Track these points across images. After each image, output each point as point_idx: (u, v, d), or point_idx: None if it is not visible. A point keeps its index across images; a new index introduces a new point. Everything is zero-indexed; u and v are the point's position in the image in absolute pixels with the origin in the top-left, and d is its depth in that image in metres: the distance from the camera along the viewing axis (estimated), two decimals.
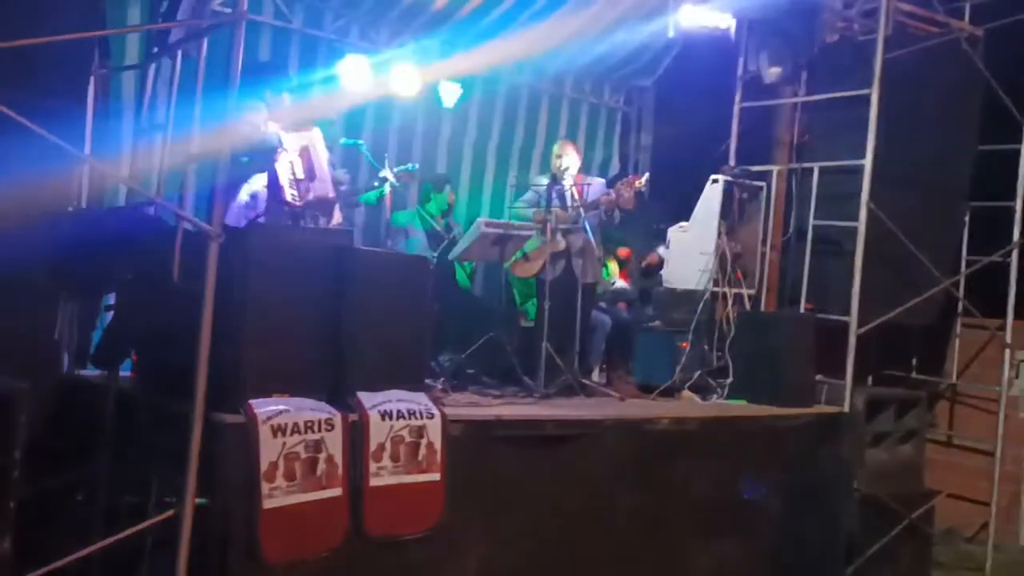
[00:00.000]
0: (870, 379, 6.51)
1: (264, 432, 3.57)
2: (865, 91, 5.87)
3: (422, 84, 6.09)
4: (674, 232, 6.42)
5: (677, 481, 4.97)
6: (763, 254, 6.46)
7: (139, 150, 4.98)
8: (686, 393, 5.84)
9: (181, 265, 3.84)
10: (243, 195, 4.81)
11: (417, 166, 6.03)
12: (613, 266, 6.65)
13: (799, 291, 6.29)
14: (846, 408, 5.78)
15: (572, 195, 5.78)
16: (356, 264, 4.08)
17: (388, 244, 5.96)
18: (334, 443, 3.75)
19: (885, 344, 6.37)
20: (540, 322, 5.38)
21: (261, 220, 4.67)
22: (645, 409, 5.32)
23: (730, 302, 6.13)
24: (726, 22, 6.24)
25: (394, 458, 3.90)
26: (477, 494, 4.18)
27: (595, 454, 4.67)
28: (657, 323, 6.24)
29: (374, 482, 3.85)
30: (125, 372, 4.35)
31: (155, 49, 4.85)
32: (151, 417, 3.91)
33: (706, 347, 6.05)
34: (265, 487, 3.56)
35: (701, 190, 6.33)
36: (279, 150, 4.66)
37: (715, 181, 6.29)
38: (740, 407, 5.76)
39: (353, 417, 3.85)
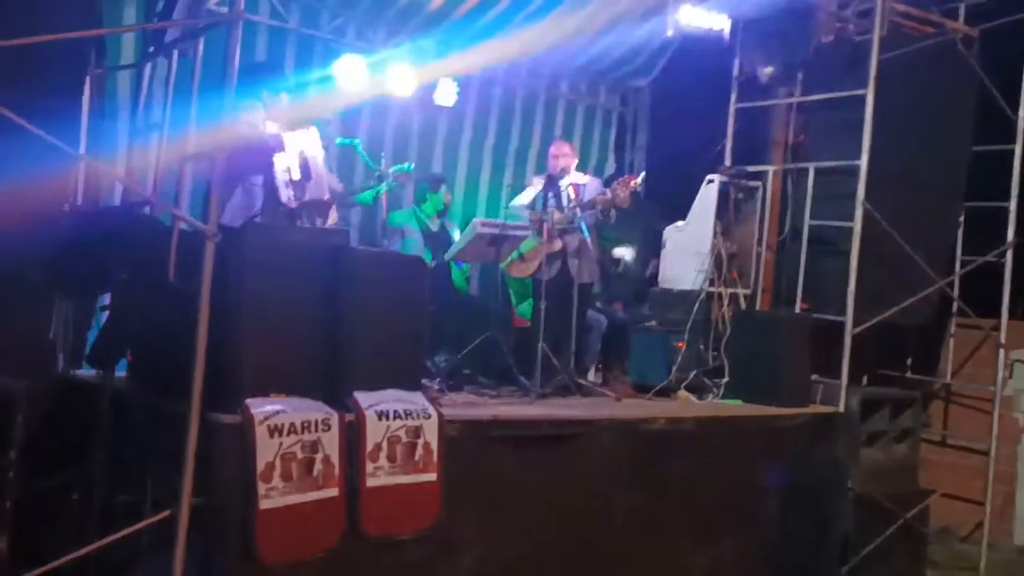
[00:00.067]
0: (865, 379, 6.52)
1: (261, 432, 3.57)
2: (860, 91, 5.89)
3: (418, 84, 6.09)
4: (670, 232, 6.43)
5: (673, 481, 4.98)
6: (759, 254, 6.47)
7: (135, 150, 4.97)
8: (682, 393, 5.85)
9: (177, 265, 3.83)
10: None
11: (413, 166, 6.03)
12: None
13: (794, 291, 6.30)
14: (841, 408, 5.79)
15: (568, 195, 5.78)
16: (352, 264, 4.08)
17: (384, 244, 5.96)
18: (331, 443, 3.75)
19: (880, 344, 6.38)
20: (536, 322, 5.39)
21: (257, 220, 4.66)
22: (641, 409, 5.33)
23: (726, 302, 6.14)
24: (721, 23, 6.26)
25: (391, 458, 3.90)
26: (474, 494, 4.18)
27: (591, 454, 4.67)
28: (653, 323, 6.24)
29: (371, 482, 3.85)
30: (121, 372, 4.34)
31: (151, 48, 4.84)
32: (147, 417, 3.90)
33: (702, 347, 6.06)
34: (261, 487, 3.56)
35: (697, 190, 6.34)
36: (277, 150, 4.65)
37: (711, 181, 6.30)
38: (736, 407, 5.77)
39: (350, 417, 3.85)
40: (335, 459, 3.75)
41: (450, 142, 6.96)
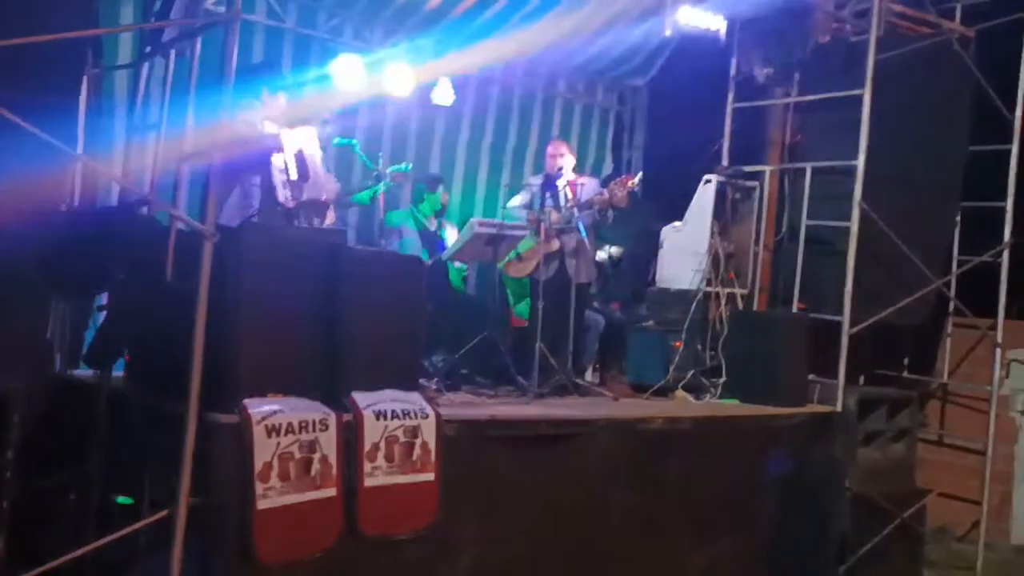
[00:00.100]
0: (862, 379, 6.53)
1: (258, 432, 3.57)
2: (857, 92, 5.89)
3: (416, 83, 6.09)
4: (667, 232, 6.43)
5: (671, 480, 4.98)
6: (756, 254, 6.48)
7: (132, 149, 4.97)
8: (679, 393, 5.86)
9: (175, 265, 3.83)
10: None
11: (410, 166, 6.03)
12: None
13: (791, 291, 6.31)
14: (838, 407, 5.80)
15: (566, 195, 5.79)
16: (350, 264, 4.08)
17: (382, 244, 5.96)
18: (328, 443, 3.74)
19: (877, 344, 6.39)
20: (534, 322, 5.39)
21: (255, 219, 4.66)
22: (639, 409, 5.33)
23: (723, 302, 6.15)
24: (718, 23, 6.27)
25: (388, 458, 3.90)
26: (471, 494, 4.18)
27: (589, 454, 4.67)
28: (650, 323, 6.25)
29: (368, 482, 3.85)
30: (118, 372, 4.33)
31: (148, 48, 4.83)
32: (144, 417, 3.90)
33: (699, 347, 6.07)
34: (259, 487, 3.55)
35: (694, 190, 6.35)
36: (274, 150, 4.65)
37: (708, 181, 6.30)
38: (733, 406, 5.78)
39: (347, 417, 3.85)
40: (333, 459, 3.75)
41: (448, 142, 6.96)
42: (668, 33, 6.17)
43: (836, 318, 5.89)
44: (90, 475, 3.97)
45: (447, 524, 4.06)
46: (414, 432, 3.98)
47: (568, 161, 5.99)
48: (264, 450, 3.57)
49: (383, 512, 3.89)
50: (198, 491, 3.44)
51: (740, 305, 6.32)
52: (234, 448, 3.56)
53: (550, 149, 6.11)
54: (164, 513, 3.40)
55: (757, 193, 6.47)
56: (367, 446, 3.86)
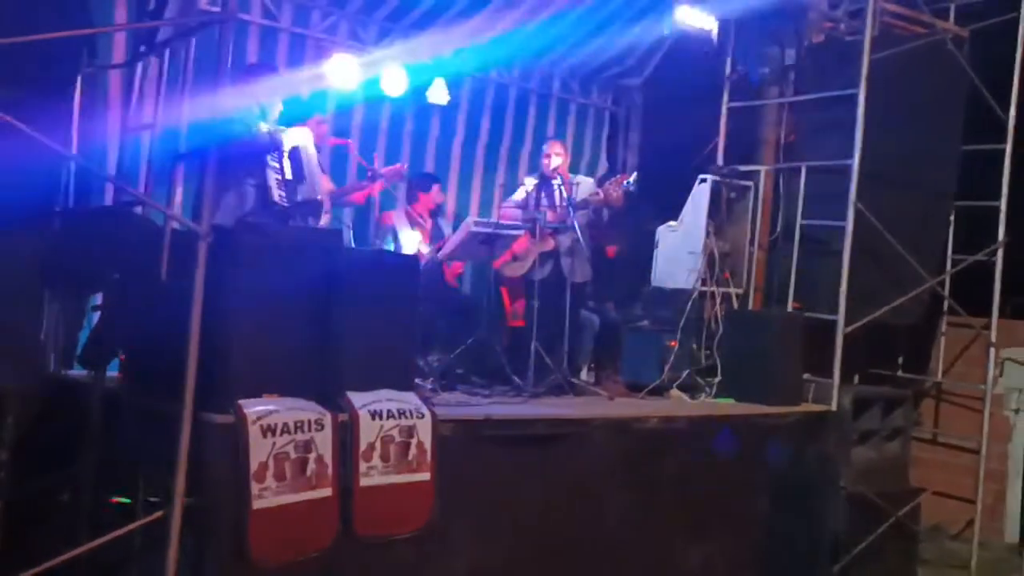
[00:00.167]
0: (856, 378, 6.54)
1: (254, 432, 3.56)
2: (852, 91, 5.90)
3: (410, 83, 6.09)
4: (663, 231, 6.43)
5: (666, 480, 4.98)
6: (751, 253, 6.49)
7: (126, 149, 4.96)
8: (674, 392, 5.86)
9: (169, 265, 3.82)
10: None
11: (406, 165, 6.03)
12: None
13: (786, 290, 6.32)
14: (833, 407, 5.81)
15: (561, 194, 5.79)
16: (345, 264, 4.08)
17: (376, 243, 5.96)
18: (324, 443, 3.74)
19: (871, 343, 6.41)
20: (529, 321, 5.39)
21: (250, 219, 4.65)
22: (634, 408, 5.34)
23: (718, 301, 6.16)
24: (712, 23, 6.28)
25: (384, 458, 3.90)
26: (467, 493, 4.18)
27: (584, 453, 4.67)
28: (645, 322, 6.25)
29: (364, 482, 3.85)
30: (113, 372, 4.32)
31: (143, 48, 4.82)
32: (139, 417, 3.89)
33: (694, 346, 6.07)
34: (255, 487, 3.54)
35: (689, 190, 6.35)
36: (269, 150, 4.65)
37: (703, 181, 6.31)
38: (728, 406, 5.78)
39: (343, 417, 3.84)
40: (328, 459, 3.75)
41: (443, 142, 6.96)
42: (667, 32, 6.16)
43: (831, 317, 5.90)
44: (84, 476, 3.96)
45: (443, 524, 4.06)
46: (410, 432, 3.98)
47: (563, 161, 6.00)
48: (259, 450, 3.56)
49: (379, 512, 3.88)
50: (193, 491, 3.44)
51: (735, 304, 6.33)
52: (229, 448, 3.55)
53: (545, 149, 6.12)
54: (159, 514, 3.40)
55: (752, 193, 6.48)
56: (363, 446, 3.85)
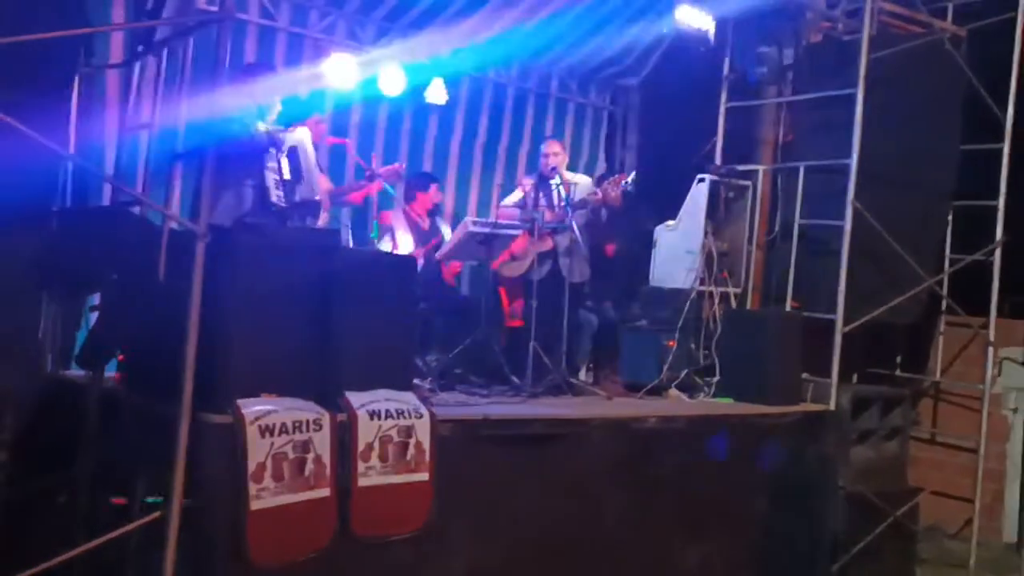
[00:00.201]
0: (855, 377, 6.54)
1: (252, 432, 3.55)
2: (849, 91, 5.90)
3: (408, 83, 6.09)
4: (661, 231, 6.43)
5: (664, 479, 4.98)
6: (749, 253, 6.49)
7: (124, 149, 4.95)
8: (673, 392, 5.86)
9: (167, 265, 3.81)
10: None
11: (404, 165, 6.03)
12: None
13: (784, 289, 6.32)
14: (832, 406, 5.81)
15: (559, 194, 5.79)
16: (343, 263, 4.07)
17: (374, 243, 5.95)
18: (322, 443, 3.73)
19: (870, 342, 6.41)
20: (527, 321, 5.39)
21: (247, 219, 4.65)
22: (632, 408, 5.33)
23: (716, 301, 6.15)
24: (710, 23, 6.28)
25: (382, 458, 3.89)
26: (465, 493, 4.17)
27: (583, 453, 4.67)
28: (644, 322, 6.25)
29: (362, 482, 3.84)
30: (110, 372, 4.32)
31: (140, 47, 4.81)
32: (137, 418, 3.88)
33: (693, 346, 6.07)
34: (253, 488, 3.54)
35: (687, 189, 6.35)
36: (270, 150, 4.64)
37: (702, 180, 6.31)
38: (727, 405, 5.78)
39: (341, 417, 3.84)
40: (327, 459, 3.74)
41: (440, 141, 6.96)
42: (666, 30, 6.17)
43: (829, 317, 5.89)
44: (82, 476, 3.95)
45: (441, 524, 4.05)
46: (408, 432, 3.97)
47: (562, 160, 5.99)
48: (258, 450, 3.56)
49: (377, 512, 3.88)
50: (191, 492, 3.43)
51: (733, 304, 6.33)
52: (227, 449, 3.55)
53: (544, 148, 6.11)
54: (157, 514, 3.39)
55: (750, 192, 6.48)
56: (361, 446, 3.85)
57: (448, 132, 6.98)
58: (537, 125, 7.42)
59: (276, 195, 4.85)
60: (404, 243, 5.90)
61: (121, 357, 4.34)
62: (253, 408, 3.61)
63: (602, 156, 7.86)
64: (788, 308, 6.26)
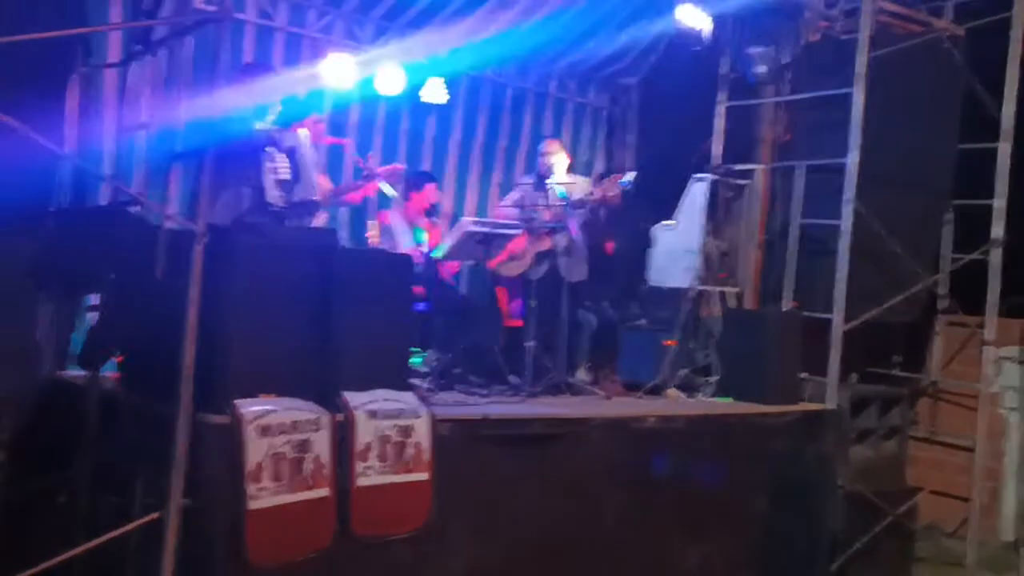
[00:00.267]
0: (854, 376, 6.54)
1: (250, 432, 3.55)
2: (847, 90, 5.91)
3: (406, 82, 6.08)
4: (659, 230, 6.43)
5: (664, 479, 4.98)
6: (747, 252, 6.49)
7: (122, 149, 4.95)
8: (672, 391, 5.86)
9: (165, 264, 3.81)
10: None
11: (402, 165, 6.02)
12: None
13: (783, 289, 6.32)
14: (830, 405, 5.82)
15: (555, 193, 5.78)
16: (341, 263, 4.07)
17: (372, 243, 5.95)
18: (321, 443, 3.73)
19: (868, 341, 6.40)
20: (526, 321, 5.38)
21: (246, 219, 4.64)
22: (631, 407, 5.34)
23: (715, 300, 6.15)
24: (708, 22, 6.28)
25: (381, 458, 3.89)
26: (464, 493, 4.17)
27: (582, 453, 4.67)
28: (643, 321, 6.25)
29: (361, 482, 3.84)
30: (109, 372, 4.31)
31: (138, 47, 4.81)
32: (135, 418, 3.88)
33: (692, 345, 6.07)
34: (251, 488, 3.54)
35: (686, 189, 6.35)
36: (268, 149, 4.64)
37: (700, 180, 6.31)
38: (726, 405, 5.79)
39: (340, 417, 3.84)
40: (325, 459, 3.74)
41: (439, 141, 6.95)
42: (672, 30, 6.16)
43: (828, 316, 5.89)
44: (81, 476, 3.95)
45: (440, 524, 4.05)
46: (407, 432, 3.97)
47: (560, 160, 5.99)
48: (256, 450, 3.56)
49: (376, 512, 3.88)
50: (190, 492, 3.43)
51: (732, 303, 6.33)
52: (226, 449, 3.54)
53: (542, 148, 6.11)
54: (155, 515, 3.39)
55: (749, 191, 6.48)
56: (360, 446, 3.85)
57: (447, 132, 6.97)
58: (536, 124, 7.41)
59: (274, 195, 4.84)
60: (403, 243, 5.89)
61: (120, 358, 4.34)
62: (251, 408, 3.61)
63: (601, 155, 7.85)
64: (787, 307, 6.26)
